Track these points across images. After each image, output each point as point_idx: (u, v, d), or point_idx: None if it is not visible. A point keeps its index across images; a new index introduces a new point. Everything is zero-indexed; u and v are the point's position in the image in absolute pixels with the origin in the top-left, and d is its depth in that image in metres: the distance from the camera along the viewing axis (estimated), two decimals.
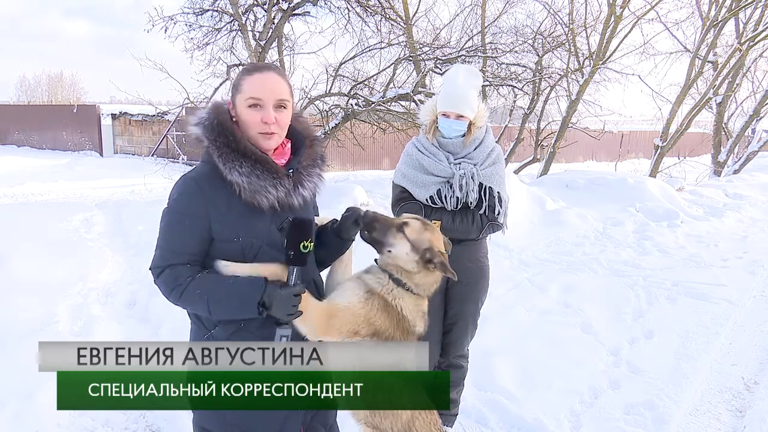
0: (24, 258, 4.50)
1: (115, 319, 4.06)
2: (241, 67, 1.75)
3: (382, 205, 9.33)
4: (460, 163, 2.64)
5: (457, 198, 2.60)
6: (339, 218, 1.83)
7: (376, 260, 1.80)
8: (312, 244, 1.60)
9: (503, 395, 3.27)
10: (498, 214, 2.65)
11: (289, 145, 1.74)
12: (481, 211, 2.63)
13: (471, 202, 2.61)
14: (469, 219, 2.62)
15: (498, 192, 2.65)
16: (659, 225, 8.00)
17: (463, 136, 2.66)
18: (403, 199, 2.71)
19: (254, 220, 1.60)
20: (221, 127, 1.59)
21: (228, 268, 1.57)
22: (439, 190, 2.61)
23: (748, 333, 4.50)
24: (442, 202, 2.62)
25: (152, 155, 18.70)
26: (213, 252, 1.62)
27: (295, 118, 1.76)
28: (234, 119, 1.64)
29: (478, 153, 2.67)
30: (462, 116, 2.60)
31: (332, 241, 1.81)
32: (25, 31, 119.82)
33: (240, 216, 1.60)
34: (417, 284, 1.72)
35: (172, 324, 3.83)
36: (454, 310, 2.76)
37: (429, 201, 2.63)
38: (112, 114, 20.87)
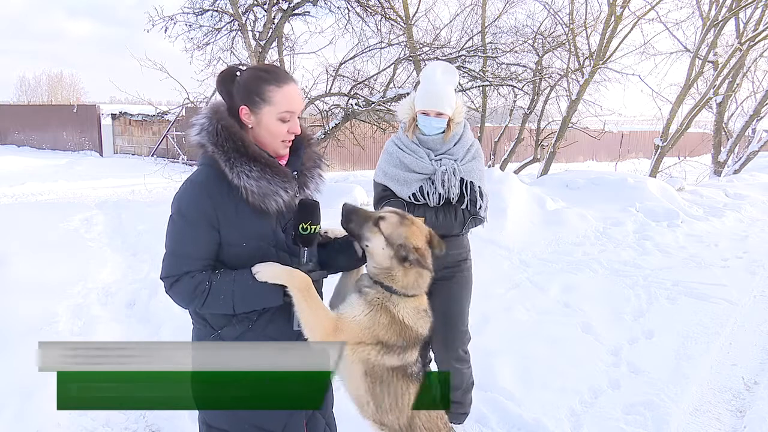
0: (24, 258, 4.51)
1: (115, 319, 4.07)
2: (241, 68, 1.72)
3: None
4: (441, 160, 2.65)
5: (440, 194, 2.62)
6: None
7: (367, 271, 1.80)
8: (314, 227, 1.62)
9: (503, 395, 3.27)
10: (480, 208, 2.67)
11: None
12: (463, 206, 2.65)
13: (453, 198, 2.64)
14: (452, 214, 2.64)
15: (479, 186, 2.67)
16: (659, 225, 8.00)
17: (443, 132, 2.68)
18: (385, 197, 2.72)
19: (260, 223, 1.61)
20: (227, 132, 1.57)
21: (259, 274, 1.58)
22: (421, 187, 2.63)
23: (748, 333, 4.50)
24: (425, 199, 2.64)
25: (152, 155, 18.69)
26: (222, 256, 1.62)
27: None
28: (244, 125, 1.63)
29: (457, 148, 2.69)
30: (441, 114, 2.62)
31: (341, 253, 1.82)
32: (28, 31, 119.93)
33: (247, 220, 1.60)
34: (404, 286, 1.71)
35: (172, 324, 3.83)
36: (441, 310, 2.71)
37: (411, 198, 2.65)
38: (112, 114, 20.87)
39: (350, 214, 1.72)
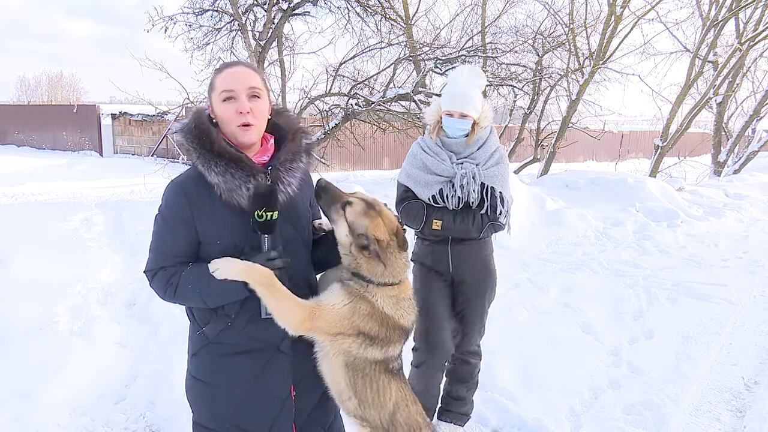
0: (24, 258, 4.50)
1: (115, 319, 4.06)
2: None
3: None
4: (462, 163, 2.65)
5: (459, 197, 2.62)
6: None
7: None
8: (270, 213, 1.57)
9: (503, 395, 3.27)
10: (500, 214, 2.66)
11: (272, 141, 1.74)
12: (483, 211, 2.64)
13: (472, 202, 2.63)
14: (470, 218, 2.64)
15: (500, 192, 2.66)
16: (659, 225, 8.00)
17: (467, 135, 2.68)
18: (406, 198, 2.74)
19: (235, 222, 1.60)
20: (198, 129, 1.61)
21: (218, 272, 1.56)
22: (441, 190, 2.64)
23: (748, 333, 4.50)
24: (444, 202, 2.64)
25: (152, 155, 18.69)
26: (200, 254, 1.64)
27: (278, 113, 1.76)
28: (214, 121, 1.65)
29: (480, 153, 2.68)
30: (466, 115, 2.62)
31: (330, 242, 1.79)
32: (29, 31, 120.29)
33: (222, 219, 1.60)
34: (373, 274, 1.70)
35: (171, 324, 3.83)
36: (461, 307, 2.80)
37: (431, 200, 2.66)
38: (112, 114, 20.87)
39: (320, 191, 1.73)
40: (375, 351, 1.69)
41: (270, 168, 1.64)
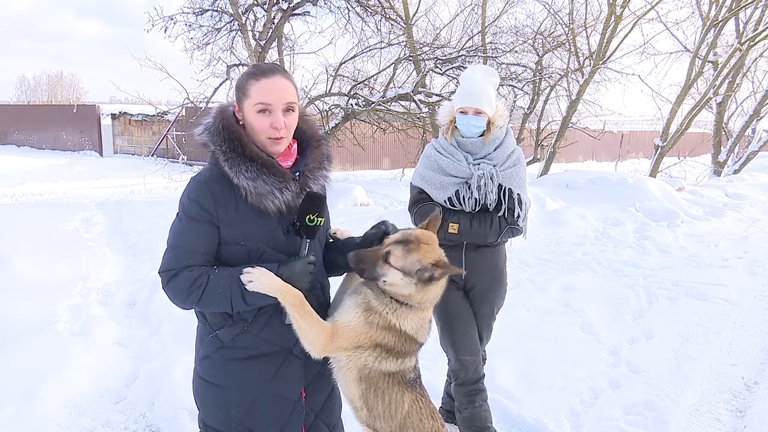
0: (24, 258, 4.50)
1: (115, 319, 4.07)
2: (242, 68, 1.72)
3: (381, 205, 9.33)
4: (479, 164, 2.57)
5: (476, 199, 2.53)
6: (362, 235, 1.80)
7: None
8: (320, 219, 1.61)
9: (503, 395, 3.27)
10: (518, 218, 2.56)
11: (295, 145, 1.72)
12: (500, 214, 2.55)
13: (490, 204, 2.54)
14: (488, 222, 2.54)
15: (518, 194, 2.57)
16: (659, 225, 8.00)
17: (482, 135, 2.60)
18: (420, 200, 2.65)
19: (260, 223, 1.60)
20: (227, 131, 1.58)
21: (252, 284, 1.53)
22: (457, 191, 2.55)
23: (748, 333, 4.50)
24: (460, 204, 2.55)
25: (152, 155, 18.71)
26: (219, 254, 1.62)
27: (301, 117, 1.74)
28: (240, 122, 1.62)
29: (498, 154, 2.60)
30: (480, 112, 2.55)
31: (342, 254, 1.79)
32: (34, 32, 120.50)
33: (246, 220, 1.59)
34: (420, 301, 1.70)
35: (172, 324, 3.83)
36: (475, 314, 2.74)
37: (447, 203, 2.56)
38: (112, 114, 20.91)
39: (359, 263, 1.66)
40: (390, 363, 1.68)
41: (298, 174, 1.65)
